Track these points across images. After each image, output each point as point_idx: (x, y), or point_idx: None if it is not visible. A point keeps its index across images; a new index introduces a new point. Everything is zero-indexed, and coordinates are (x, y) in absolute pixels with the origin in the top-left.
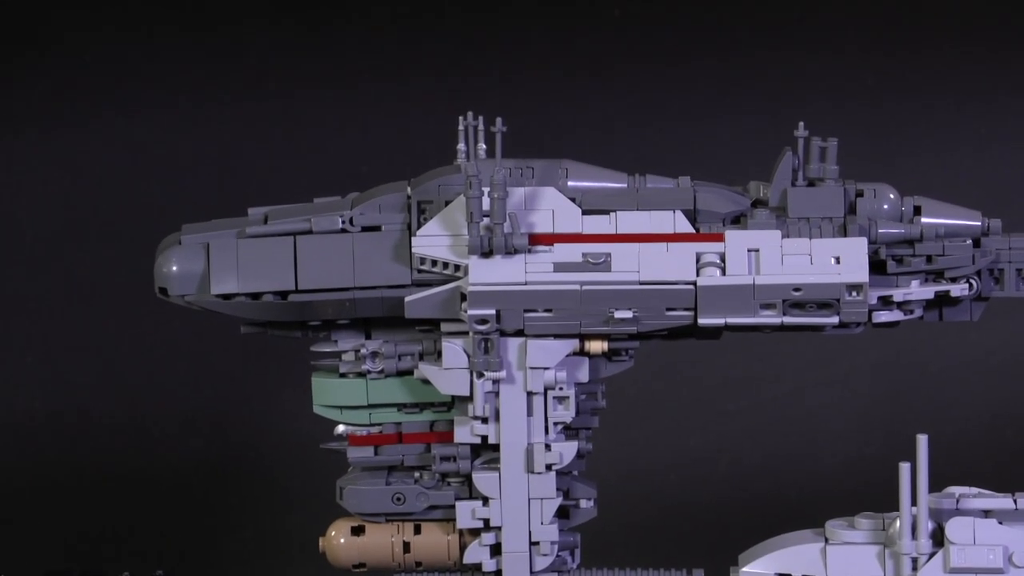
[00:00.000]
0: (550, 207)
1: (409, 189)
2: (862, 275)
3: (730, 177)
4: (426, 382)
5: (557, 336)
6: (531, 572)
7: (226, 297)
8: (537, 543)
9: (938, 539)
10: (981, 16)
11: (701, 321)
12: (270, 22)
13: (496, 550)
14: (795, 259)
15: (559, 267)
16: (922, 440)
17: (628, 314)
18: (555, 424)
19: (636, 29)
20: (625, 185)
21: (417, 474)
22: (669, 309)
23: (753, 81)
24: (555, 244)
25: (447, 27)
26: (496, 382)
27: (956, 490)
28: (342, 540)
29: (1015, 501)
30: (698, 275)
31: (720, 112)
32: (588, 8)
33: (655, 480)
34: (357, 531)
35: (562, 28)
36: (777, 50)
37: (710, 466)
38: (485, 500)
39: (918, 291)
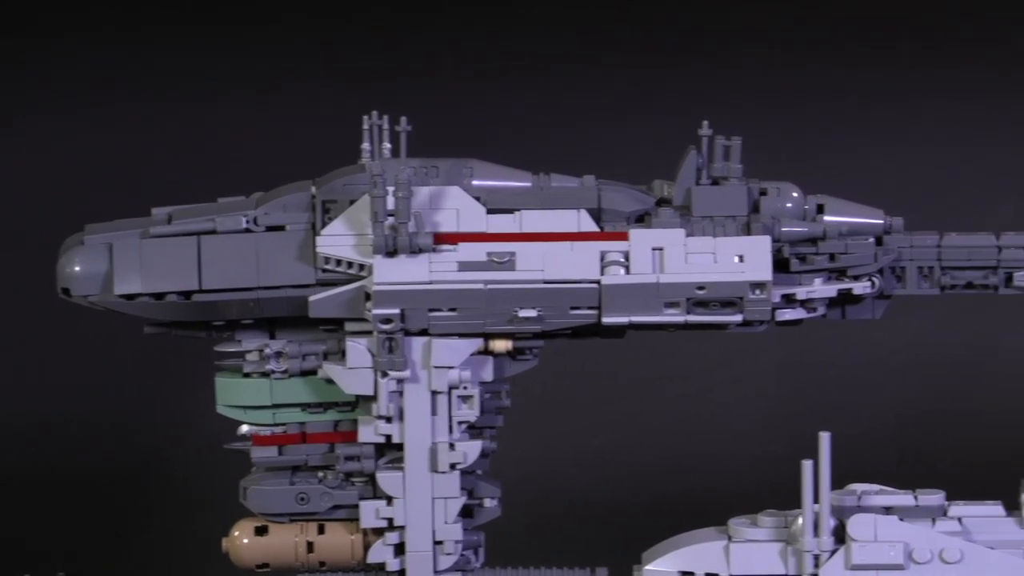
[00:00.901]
0: (455, 206)
1: (314, 188)
2: (765, 273)
3: (635, 176)
4: (330, 382)
5: (462, 335)
6: (435, 571)
7: (129, 297)
8: (441, 542)
9: (840, 536)
10: (886, 15)
11: (605, 320)
12: (178, 22)
13: (400, 549)
14: (699, 257)
15: (464, 266)
16: (824, 438)
17: (532, 313)
18: (459, 423)
19: (544, 28)
20: (530, 184)
21: (321, 474)
22: (573, 308)
23: (661, 80)
24: (460, 243)
25: (355, 27)
26: (400, 381)
27: (858, 487)
28: (245, 540)
29: (916, 498)
30: (602, 274)
31: (626, 111)
32: (497, 7)
33: (559, 479)
34: (260, 531)
35: (471, 27)
36: (684, 50)
37: (614, 465)
38: (389, 499)
39: (821, 289)
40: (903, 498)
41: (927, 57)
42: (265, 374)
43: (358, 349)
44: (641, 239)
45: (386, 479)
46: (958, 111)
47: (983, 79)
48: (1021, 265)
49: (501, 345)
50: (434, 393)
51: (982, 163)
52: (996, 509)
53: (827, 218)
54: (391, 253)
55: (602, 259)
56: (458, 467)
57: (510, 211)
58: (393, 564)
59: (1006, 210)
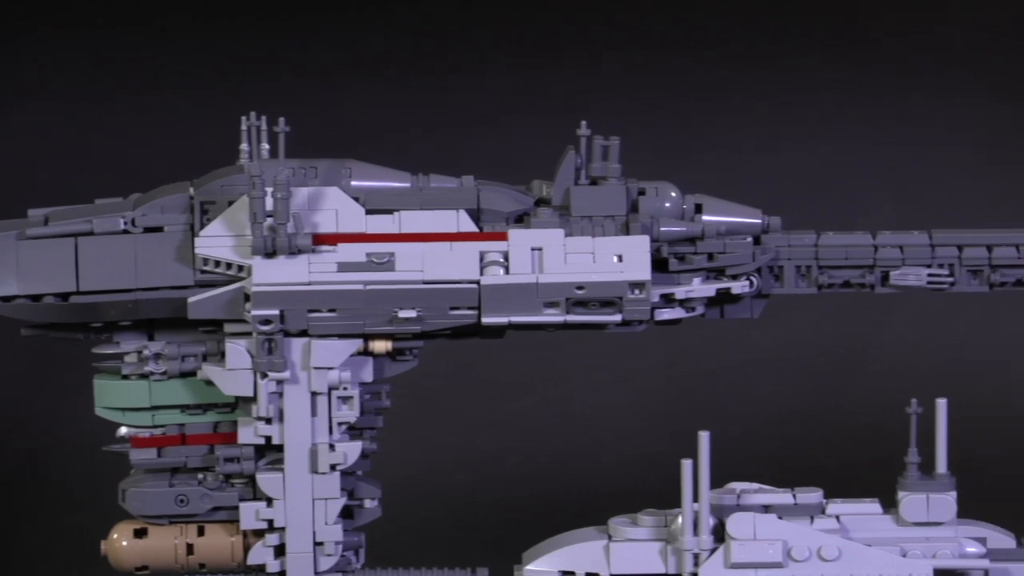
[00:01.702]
0: (334, 207)
1: (192, 190)
2: (644, 273)
3: (514, 176)
4: (210, 383)
5: (341, 336)
6: (315, 572)
7: (6, 299)
8: (321, 543)
9: (719, 535)
10: (766, 16)
11: (485, 320)
12: (58, 24)
13: (280, 551)
14: (578, 257)
15: (343, 267)
16: (703, 437)
17: (412, 313)
18: (339, 424)
19: (423, 29)
20: (409, 185)
21: (201, 475)
22: (453, 308)
23: (539, 80)
24: (339, 244)
25: (235, 28)
26: (280, 383)
27: (737, 486)
28: (124, 543)
29: (794, 496)
30: (482, 274)
31: (505, 111)
32: (376, 8)
33: (440, 479)
34: (139, 533)
35: (352, 28)
36: (563, 49)
37: (495, 465)
38: (269, 501)
39: (700, 288)
40: (782, 496)
41: (803, 57)
42: (144, 376)
43: (237, 350)
44: (520, 239)
45: (266, 480)
46: (835, 111)
47: (858, 79)
48: (897, 264)
49: (381, 346)
50: (314, 394)
51: (859, 162)
52: (873, 507)
53: (705, 218)
54: (270, 254)
55: (481, 259)
56: (338, 468)
57: (389, 212)
58: (273, 565)
59: (882, 209)
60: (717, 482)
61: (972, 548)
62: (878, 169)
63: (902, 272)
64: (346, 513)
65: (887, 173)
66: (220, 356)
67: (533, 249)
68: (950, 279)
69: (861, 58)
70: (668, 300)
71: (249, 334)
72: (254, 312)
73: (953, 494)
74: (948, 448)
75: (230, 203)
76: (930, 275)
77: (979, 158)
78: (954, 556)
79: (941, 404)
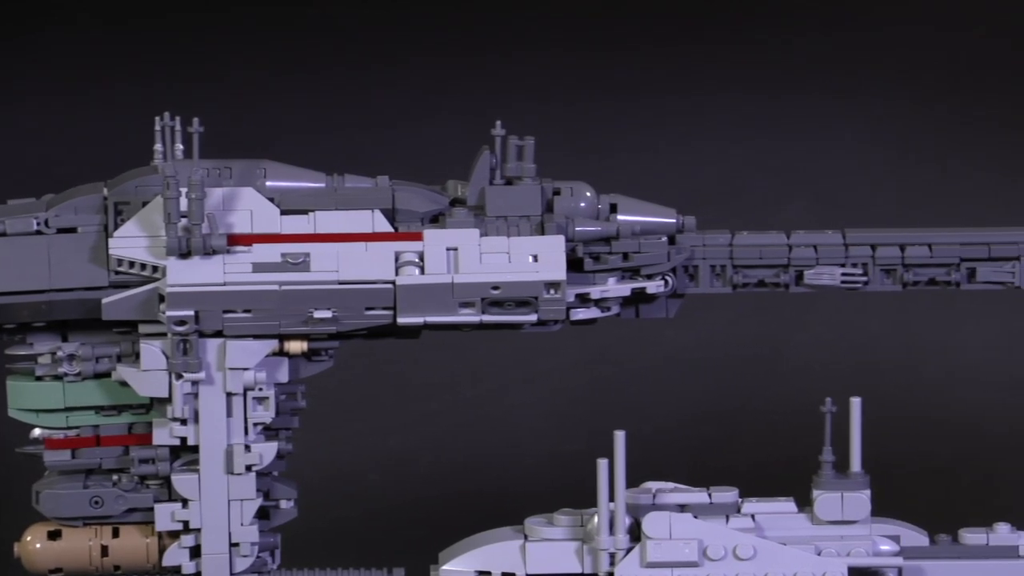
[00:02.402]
0: (248, 207)
1: (106, 190)
2: (559, 273)
3: (429, 176)
4: (124, 384)
5: (256, 337)
6: (231, 573)
7: None
8: (237, 544)
9: (635, 534)
10: (676, 16)
11: (400, 320)
12: None
13: (196, 552)
14: (493, 257)
15: (258, 267)
16: (619, 436)
17: (328, 314)
18: (255, 425)
19: (335, 29)
20: (324, 185)
21: (115, 477)
22: (368, 308)
23: (454, 80)
24: (254, 244)
25: (146, 28)
26: (195, 383)
27: (653, 485)
28: (38, 545)
29: (710, 496)
30: (397, 274)
31: (419, 111)
32: (287, 7)
33: (356, 480)
34: (53, 535)
35: (265, 27)
36: (478, 49)
37: (412, 466)
38: (184, 502)
39: (615, 288)
40: (697, 496)
41: (715, 56)
42: (58, 377)
43: (152, 351)
44: (435, 239)
45: (181, 481)
46: (748, 110)
47: (770, 78)
48: (811, 263)
49: (296, 346)
50: (229, 395)
51: (772, 162)
52: (788, 505)
53: (620, 217)
54: (185, 255)
55: (397, 259)
56: (254, 469)
57: (304, 212)
58: (189, 567)
59: (796, 208)
60: (633, 481)
61: (886, 546)
62: (792, 168)
63: (816, 271)
64: (262, 514)
65: (801, 172)
66: (135, 357)
67: (448, 249)
68: (864, 278)
69: (773, 57)
70: (583, 300)
71: (164, 335)
72: (169, 313)
73: (867, 492)
74: (862, 447)
75: (144, 204)
76: (844, 274)
77: (892, 157)
78: (868, 554)
79: (855, 403)
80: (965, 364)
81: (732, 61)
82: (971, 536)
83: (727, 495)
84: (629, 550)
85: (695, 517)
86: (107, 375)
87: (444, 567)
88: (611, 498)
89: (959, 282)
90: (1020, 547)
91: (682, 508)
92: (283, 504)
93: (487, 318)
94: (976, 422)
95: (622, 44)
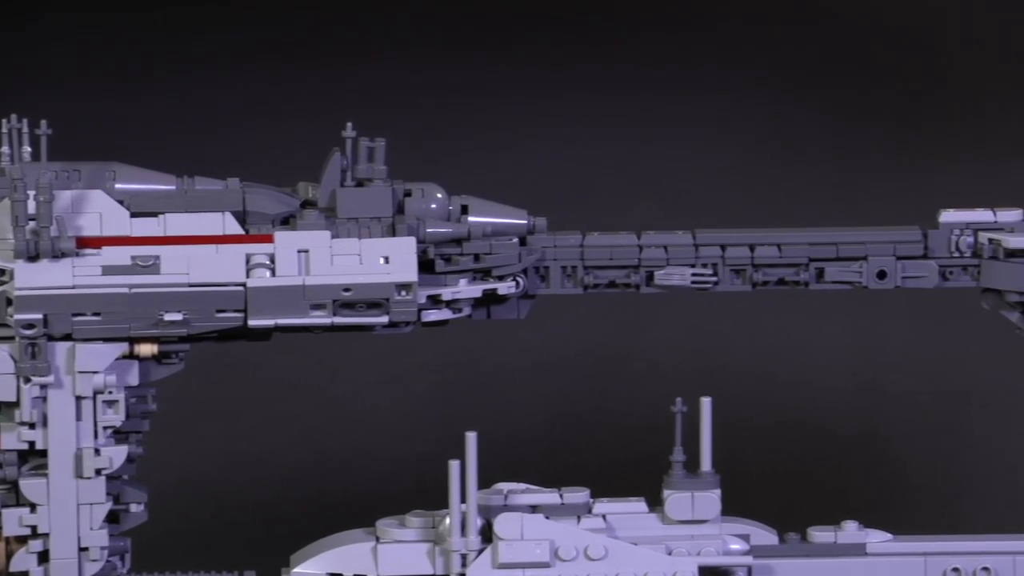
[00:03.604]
0: (98, 210)
1: None
2: (411, 274)
3: (280, 178)
4: None
5: (106, 340)
6: None
7: None
8: (86, 549)
9: (487, 535)
10: (522, 15)
11: (251, 322)
12: None
13: (44, 557)
14: (344, 259)
15: (107, 270)
16: (471, 438)
17: (178, 316)
18: (105, 428)
19: (183, 30)
20: (174, 187)
21: None
22: (219, 311)
23: (301, 81)
24: (103, 247)
25: None
26: (44, 387)
27: (504, 486)
28: None
29: (561, 496)
30: (248, 276)
31: (268, 112)
32: (133, 11)
33: (208, 483)
34: None
35: (111, 28)
36: (324, 50)
37: (263, 468)
38: (33, 507)
39: (466, 290)
40: (549, 496)
41: (564, 56)
42: None
43: (0, 355)
44: (286, 241)
45: (30, 486)
46: (596, 110)
47: (620, 78)
48: (661, 264)
49: (147, 349)
50: (79, 398)
51: (622, 162)
52: (640, 505)
53: (471, 219)
54: (33, 258)
55: (247, 262)
56: (104, 473)
57: (154, 214)
58: (37, 572)
59: (645, 208)
60: (485, 483)
61: (736, 545)
62: (642, 169)
63: (666, 272)
64: (112, 518)
65: (651, 173)
66: None
67: (299, 251)
68: (713, 278)
69: (623, 57)
70: (435, 301)
71: (12, 338)
72: (17, 316)
73: (717, 492)
74: (712, 446)
75: None
76: (694, 275)
77: (740, 157)
78: (718, 553)
79: (705, 403)
80: (814, 364)
81: (579, 61)
82: (819, 534)
83: (578, 496)
84: (481, 551)
85: (546, 518)
86: None
87: (296, 570)
88: (463, 499)
89: (808, 282)
90: (867, 545)
91: (533, 509)
92: (133, 508)
93: (338, 320)
94: (825, 422)
95: (471, 44)
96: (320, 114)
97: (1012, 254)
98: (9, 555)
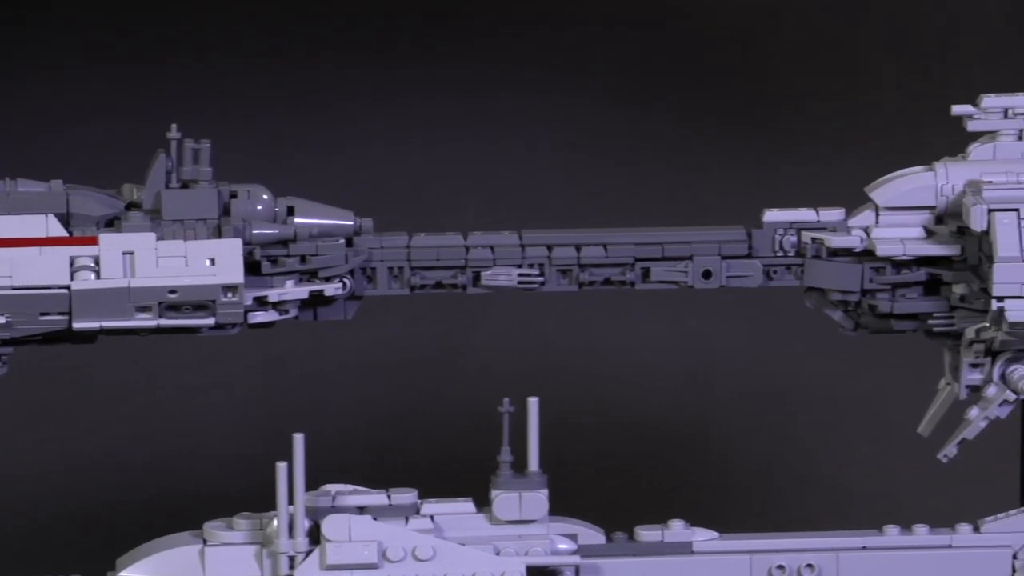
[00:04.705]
0: None
1: None
2: (237, 276)
3: (104, 180)
4: None
5: None
6: None
7: None
8: None
9: (315, 537)
10: (357, 15)
11: (76, 325)
12: None
13: None
14: (170, 261)
15: None
16: (298, 439)
17: (1, 320)
18: None
19: (4, 31)
20: None
21: None
22: (43, 314)
23: (125, 81)
24: None
25: None
26: None
27: (332, 488)
28: None
29: (389, 497)
30: (72, 279)
31: (92, 113)
32: None
33: (33, 487)
34: None
35: None
36: (156, 52)
37: (90, 471)
38: None
39: (293, 291)
40: (376, 498)
41: (387, 57)
42: None
43: None
44: (111, 243)
45: None
46: (429, 111)
47: (444, 78)
48: (488, 264)
49: None
50: None
51: (449, 163)
52: (467, 506)
53: (298, 220)
54: None
55: (72, 264)
56: None
57: None
58: None
59: (475, 210)
60: (313, 484)
61: (563, 544)
62: (468, 170)
63: (493, 272)
64: None
65: (477, 174)
66: None
67: (124, 253)
68: (540, 279)
69: (447, 57)
70: (261, 303)
71: None
72: None
73: (545, 492)
74: (540, 447)
75: None
76: (520, 275)
77: (570, 158)
78: (546, 553)
79: (533, 403)
80: (640, 364)
81: (410, 63)
82: (646, 533)
83: (406, 496)
84: (309, 553)
85: (374, 519)
86: None
87: (121, 573)
88: (290, 501)
89: (634, 282)
90: (694, 543)
91: (361, 510)
92: None
93: (164, 322)
94: (651, 421)
95: (298, 47)
96: (144, 115)
97: (835, 253)
98: None
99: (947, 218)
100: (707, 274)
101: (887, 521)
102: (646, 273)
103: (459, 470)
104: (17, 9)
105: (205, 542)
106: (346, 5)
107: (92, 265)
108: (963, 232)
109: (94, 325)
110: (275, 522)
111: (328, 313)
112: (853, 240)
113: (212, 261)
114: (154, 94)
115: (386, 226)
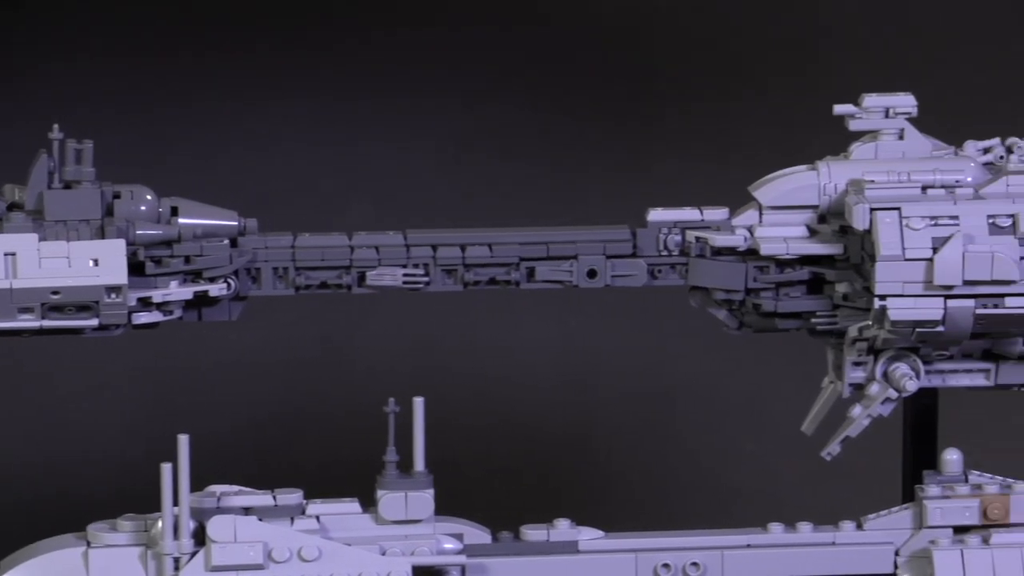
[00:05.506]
0: None
1: None
2: (121, 277)
3: None
4: None
5: None
6: None
7: None
8: None
9: (200, 538)
10: (234, 15)
11: None
12: None
13: None
14: (53, 262)
15: None
16: (183, 440)
17: None
18: None
19: None
20: None
21: None
22: None
23: (13, 85)
24: None
25: None
26: None
27: (217, 488)
28: None
29: (274, 498)
30: None
31: None
32: None
33: None
34: None
35: None
36: (39, 54)
37: None
38: None
39: (177, 292)
40: (262, 498)
41: (273, 58)
42: None
43: None
44: None
45: None
46: (315, 112)
47: (330, 79)
48: (373, 264)
49: None
50: None
51: (333, 163)
52: (353, 506)
53: (181, 220)
54: None
55: None
56: None
57: None
58: None
59: (360, 210)
60: (197, 485)
61: (449, 544)
62: (352, 170)
63: (378, 272)
64: None
65: (368, 174)
66: None
67: (6, 254)
68: (425, 278)
69: (334, 58)
70: (145, 304)
71: None
72: None
73: (431, 492)
74: (425, 446)
75: None
76: (405, 275)
77: (455, 157)
78: (432, 553)
79: (418, 402)
80: (526, 363)
81: (288, 62)
82: (532, 533)
83: (291, 497)
84: (194, 554)
85: (260, 520)
86: None
87: None
88: (175, 502)
89: (519, 281)
90: (579, 542)
91: (246, 511)
92: None
93: (47, 323)
94: (537, 421)
95: (183, 48)
96: (26, 116)
97: (719, 252)
98: None
99: (830, 217)
100: (592, 273)
101: (771, 519)
102: (531, 273)
103: (344, 470)
104: None
105: (89, 544)
106: (227, 5)
107: None
108: (846, 231)
109: None
110: (160, 523)
111: (213, 314)
112: (737, 239)
113: (95, 262)
114: (34, 95)
115: (278, 227)
